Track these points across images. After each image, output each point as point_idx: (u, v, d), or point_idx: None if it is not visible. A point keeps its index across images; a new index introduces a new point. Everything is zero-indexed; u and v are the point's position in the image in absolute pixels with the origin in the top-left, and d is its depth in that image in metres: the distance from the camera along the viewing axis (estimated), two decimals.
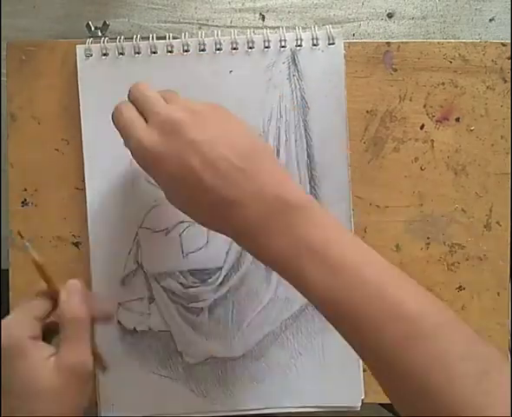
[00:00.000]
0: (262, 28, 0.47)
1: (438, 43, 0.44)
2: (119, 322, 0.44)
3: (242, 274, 0.44)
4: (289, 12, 0.48)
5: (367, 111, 0.44)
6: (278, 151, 0.44)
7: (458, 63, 0.44)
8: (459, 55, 0.44)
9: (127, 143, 0.35)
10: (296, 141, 0.44)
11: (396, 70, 0.44)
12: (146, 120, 0.34)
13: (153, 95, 0.35)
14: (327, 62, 0.43)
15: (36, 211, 0.45)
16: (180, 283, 0.44)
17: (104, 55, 0.44)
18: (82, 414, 0.35)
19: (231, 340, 0.44)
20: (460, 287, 0.45)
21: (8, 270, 0.45)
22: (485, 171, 0.45)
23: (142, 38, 0.44)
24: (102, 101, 0.43)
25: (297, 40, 0.43)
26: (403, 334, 0.28)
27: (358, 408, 0.44)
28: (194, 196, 0.33)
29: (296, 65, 0.44)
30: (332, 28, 0.43)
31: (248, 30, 0.43)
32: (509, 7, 0.47)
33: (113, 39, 0.44)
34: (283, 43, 0.43)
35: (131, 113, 0.35)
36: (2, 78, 0.46)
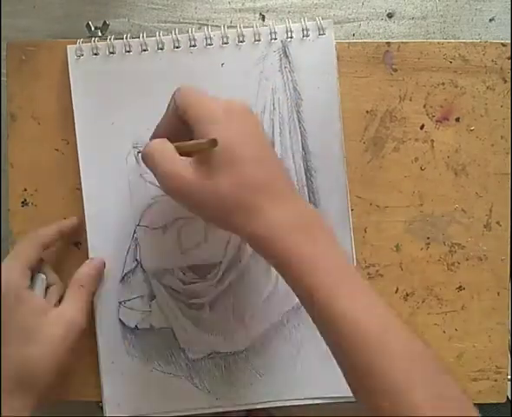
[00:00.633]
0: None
1: (438, 43, 0.44)
2: (120, 321, 0.44)
3: (242, 268, 0.44)
4: (289, 12, 0.48)
5: (367, 111, 0.44)
6: (272, 143, 0.43)
7: (458, 63, 0.44)
8: (459, 55, 0.44)
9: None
10: (290, 132, 0.44)
11: (396, 70, 0.44)
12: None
13: None
14: (318, 53, 0.43)
15: (36, 211, 0.45)
16: (180, 280, 0.44)
17: (95, 54, 0.44)
18: (66, 373, 0.41)
19: (233, 335, 0.44)
20: (460, 287, 0.45)
21: None
22: (485, 171, 0.45)
23: (132, 37, 0.43)
24: (95, 100, 0.43)
25: (287, 32, 0.43)
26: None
27: None
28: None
29: (287, 57, 0.43)
30: (322, 19, 0.43)
31: (238, 25, 0.43)
32: (509, 7, 0.47)
33: (103, 38, 0.44)
34: (273, 36, 0.43)
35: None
36: (2, 78, 0.46)
